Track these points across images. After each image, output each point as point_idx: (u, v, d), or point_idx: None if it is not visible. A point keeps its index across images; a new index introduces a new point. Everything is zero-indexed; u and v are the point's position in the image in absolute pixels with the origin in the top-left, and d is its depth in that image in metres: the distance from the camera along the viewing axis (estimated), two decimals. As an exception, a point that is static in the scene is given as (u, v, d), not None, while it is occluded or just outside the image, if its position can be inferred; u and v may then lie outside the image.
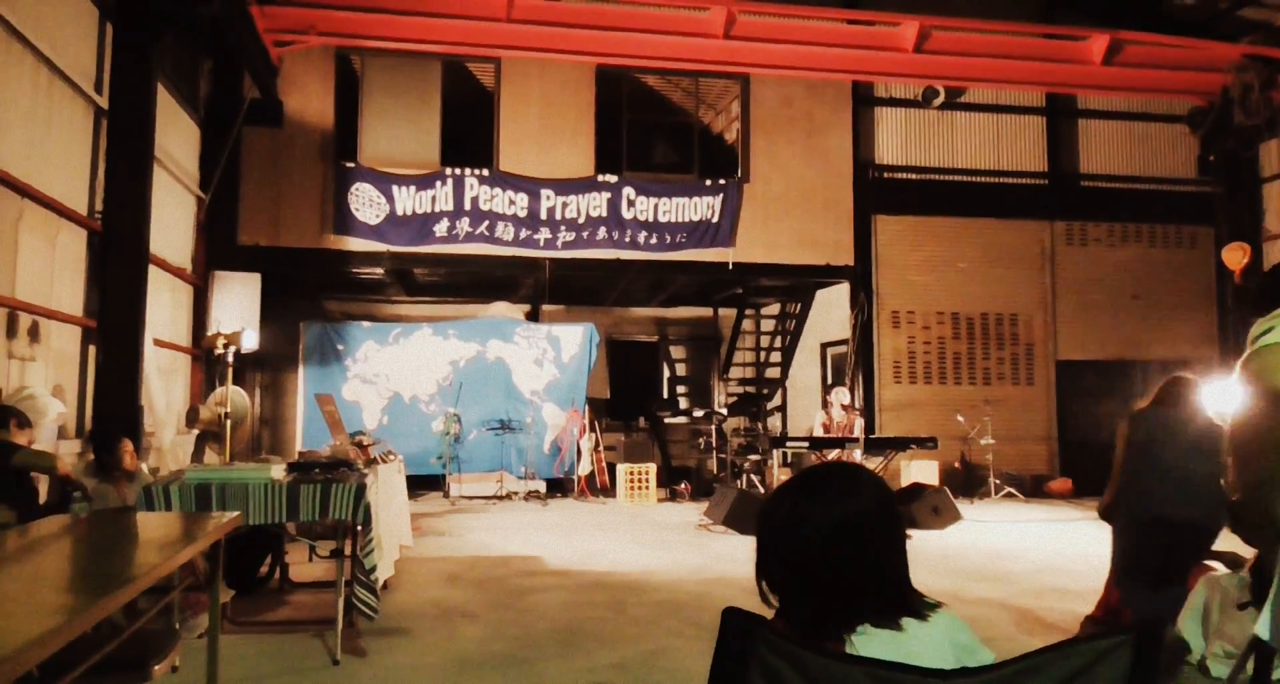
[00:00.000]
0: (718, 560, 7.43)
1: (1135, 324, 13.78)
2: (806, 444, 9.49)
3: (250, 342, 9.86)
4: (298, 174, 11.61)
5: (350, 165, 11.58)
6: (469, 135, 12.37)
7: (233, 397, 8.51)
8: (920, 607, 1.53)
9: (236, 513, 3.70)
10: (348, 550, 4.92)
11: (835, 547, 1.51)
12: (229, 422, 8.16)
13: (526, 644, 4.92)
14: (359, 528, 4.68)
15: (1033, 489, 12.70)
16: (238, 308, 10.75)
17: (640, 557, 7.65)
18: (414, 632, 5.16)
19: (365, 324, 12.74)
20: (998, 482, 12.37)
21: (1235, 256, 12.84)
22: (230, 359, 8.24)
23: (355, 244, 11.62)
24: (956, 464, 12.62)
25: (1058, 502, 12.27)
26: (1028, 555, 7.85)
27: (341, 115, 11.78)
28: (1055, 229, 13.76)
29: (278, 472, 4.81)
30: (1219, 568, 4.46)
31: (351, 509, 4.58)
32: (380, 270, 12.32)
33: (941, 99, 13.21)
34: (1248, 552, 4.31)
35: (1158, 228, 13.98)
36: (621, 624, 5.36)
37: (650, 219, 12.30)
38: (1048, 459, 13.47)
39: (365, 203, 11.59)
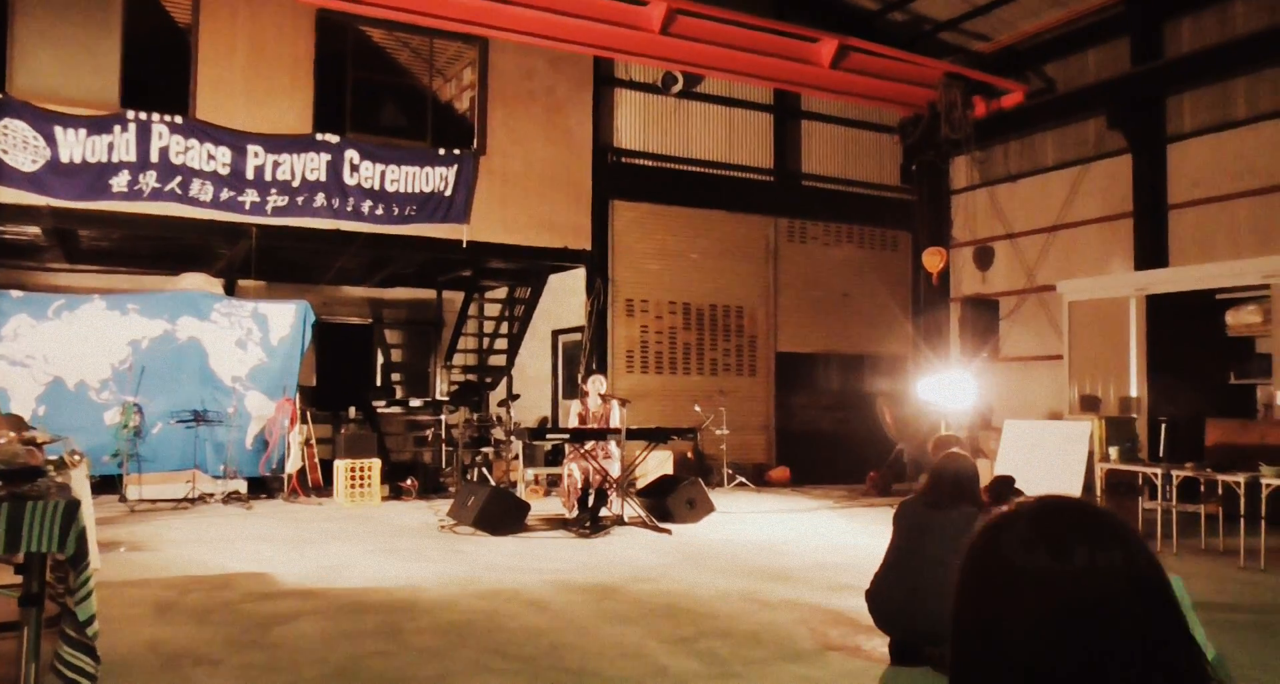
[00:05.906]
0: (487, 570, 6.58)
1: (846, 320, 14.54)
2: (567, 436, 8.82)
3: None
4: (-79, 100, 9.19)
5: (-2, 96, 9.34)
6: (159, 76, 10.46)
7: None
8: None
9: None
10: (39, 584, 3.59)
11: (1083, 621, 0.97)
12: None
13: (297, 698, 3.87)
14: (66, 562, 3.40)
15: (755, 478, 12.95)
16: None
17: (394, 568, 6.61)
18: (133, 692, 3.91)
19: (15, 294, 10.34)
20: (730, 471, 12.48)
21: (934, 260, 13.94)
22: None
23: (4, 195, 9.41)
24: (689, 454, 12.57)
25: (782, 490, 12.59)
26: (793, 549, 7.75)
27: (-14, 32, 9.47)
28: (779, 225, 14.17)
29: (-68, 486, 3.40)
30: None
31: (58, 538, 3.27)
32: (37, 229, 10.08)
33: (680, 86, 13.12)
34: None
35: (866, 230, 14.85)
36: (410, 659, 4.41)
37: (376, 187, 11.08)
38: (765, 448, 13.86)
39: (18, 144, 9.41)
